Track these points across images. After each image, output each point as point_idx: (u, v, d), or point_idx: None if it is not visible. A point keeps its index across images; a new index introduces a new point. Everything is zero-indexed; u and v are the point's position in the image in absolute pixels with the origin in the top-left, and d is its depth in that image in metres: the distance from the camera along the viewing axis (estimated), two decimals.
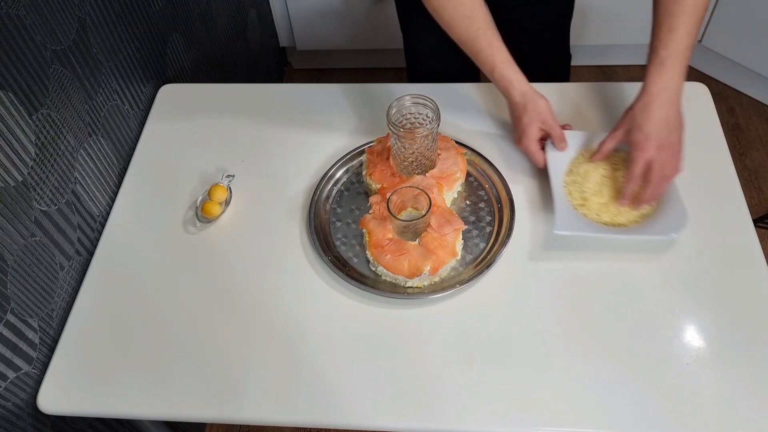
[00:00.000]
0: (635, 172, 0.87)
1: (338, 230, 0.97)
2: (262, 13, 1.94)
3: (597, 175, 0.95)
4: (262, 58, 1.95)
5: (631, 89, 1.12)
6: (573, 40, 1.37)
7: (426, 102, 0.91)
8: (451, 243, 0.89)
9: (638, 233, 0.90)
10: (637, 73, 2.16)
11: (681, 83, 0.85)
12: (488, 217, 0.97)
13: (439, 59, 1.30)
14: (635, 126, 0.86)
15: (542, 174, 1.00)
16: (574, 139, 0.98)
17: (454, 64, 1.32)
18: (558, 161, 0.97)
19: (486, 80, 0.98)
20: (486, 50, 0.92)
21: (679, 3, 0.80)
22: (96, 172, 1.01)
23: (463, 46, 0.95)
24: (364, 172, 1.01)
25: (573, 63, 1.42)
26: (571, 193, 0.94)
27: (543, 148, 0.98)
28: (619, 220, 0.91)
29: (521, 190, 0.99)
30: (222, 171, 1.05)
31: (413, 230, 0.90)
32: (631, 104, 0.89)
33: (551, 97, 1.08)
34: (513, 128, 1.00)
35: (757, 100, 2.06)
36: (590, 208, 0.92)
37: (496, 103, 1.10)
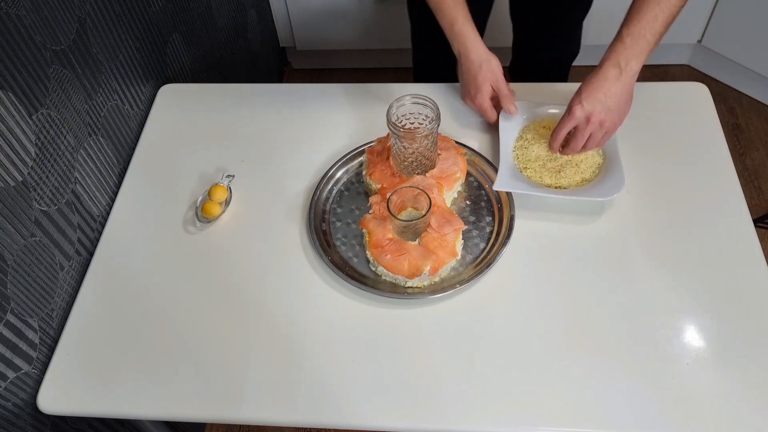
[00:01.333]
0: (557, 134, 0.94)
1: (338, 230, 0.97)
2: (262, 13, 1.94)
3: (544, 141, 1.01)
4: (262, 58, 1.96)
5: None
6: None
7: (426, 102, 0.91)
8: (451, 243, 0.89)
9: (575, 194, 0.95)
10: None
11: (636, 66, 0.87)
12: (488, 217, 0.97)
13: (446, 65, 1.31)
14: (576, 94, 0.91)
15: None
16: (524, 108, 1.05)
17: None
18: (509, 129, 1.03)
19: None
20: (449, 3, 0.96)
21: None
22: (96, 172, 1.01)
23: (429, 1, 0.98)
24: (364, 172, 1.01)
25: (573, 63, 1.42)
26: (518, 156, 1.02)
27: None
28: (560, 182, 0.98)
29: None
30: (222, 171, 1.05)
31: (413, 230, 0.90)
32: (588, 77, 0.92)
33: (551, 97, 1.09)
34: (463, 85, 1.03)
35: (757, 100, 2.06)
36: (534, 170, 0.99)
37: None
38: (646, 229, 0.94)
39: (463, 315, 0.87)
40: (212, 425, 1.53)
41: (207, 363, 0.85)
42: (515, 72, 1.49)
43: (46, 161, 0.88)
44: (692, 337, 0.84)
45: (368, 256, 0.92)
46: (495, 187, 0.95)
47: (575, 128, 0.93)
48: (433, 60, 1.37)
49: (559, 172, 0.98)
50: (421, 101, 0.92)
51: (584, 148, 0.95)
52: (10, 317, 0.81)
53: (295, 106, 1.15)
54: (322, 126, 1.11)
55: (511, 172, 0.98)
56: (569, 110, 0.91)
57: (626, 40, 0.86)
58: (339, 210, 0.99)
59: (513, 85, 1.14)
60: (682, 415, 0.77)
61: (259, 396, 0.82)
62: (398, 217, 0.89)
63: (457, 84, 1.16)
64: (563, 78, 1.42)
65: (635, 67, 0.87)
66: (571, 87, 1.11)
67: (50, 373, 0.86)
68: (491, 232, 0.95)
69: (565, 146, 0.97)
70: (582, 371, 0.81)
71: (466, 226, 0.95)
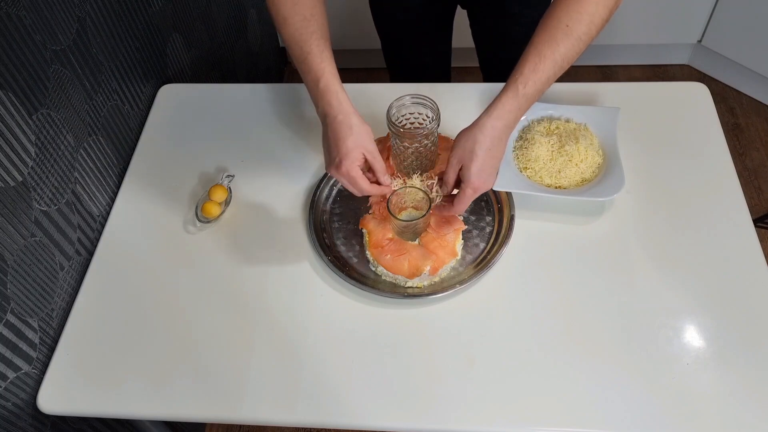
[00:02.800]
0: (462, 207, 0.85)
1: (338, 230, 0.97)
2: (262, 13, 1.94)
3: (544, 141, 1.00)
4: (262, 58, 1.95)
5: (631, 89, 1.12)
6: None
7: (426, 102, 0.91)
8: (451, 243, 0.89)
9: (575, 194, 0.95)
10: (637, 73, 2.16)
11: (518, 120, 0.83)
12: (488, 217, 0.97)
13: (411, 53, 1.31)
14: (474, 162, 0.82)
15: None
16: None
17: (427, 59, 1.34)
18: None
19: (486, 80, 0.97)
20: (316, 57, 0.83)
21: (551, 47, 0.79)
22: (96, 172, 1.01)
23: (291, 47, 0.86)
24: None
25: (572, 63, 1.42)
26: (517, 156, 1.01)
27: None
28: (560, 182, 0.98)
29: None
30: (222, 171, 1.05)
31: (413, 230, 0.90)
32: (472, 127, 0.83)
33: (550, 97, 1.09)
34: (326, 152, 0.84)
35: (757, 100, 2.06)
36: (534, 170, 0.99)
37: None
38: (646, 229, 0.94)
39: (463, 315, 0.87)
40: (212, 425, 1.53)
41: (207, 363, 0.85)
42: (485, 71, 1.39)
43: (46, 161, 0.88)
44: (692, 337, 0.84)
45: (368, 256, 0.92)
46: (495, 187, 0.95)
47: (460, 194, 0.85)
48: (406, 73, 1.37)
49: (559, 172, 0.98)
50: (421, 101, 0.91)
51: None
52: (10, 317, 0.81)
53: (295, 106, 1.15)
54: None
55: (510, 171, 0.98)
56: (473, 185, 0.82)
57: (521, 100, 0.81)
58: (339, 210, 0.99)
59: (497, 85, 1.13)
60: (682, 415, 0.77)
61: (259, 396, 0.82)
62: (398, 217, 0.89)
63: (457, 84, 1.16)
64: None
65: (516, 125, 0.84)
66: (572, 87, 1.12)
67: (50, 373, 0.86)
68: (491, 232, 0.95)
69: (441, 207, 0.89)
70: (582, 371, 0.81)
71: (466, 226, 0.95)
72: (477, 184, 0.82)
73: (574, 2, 0.79)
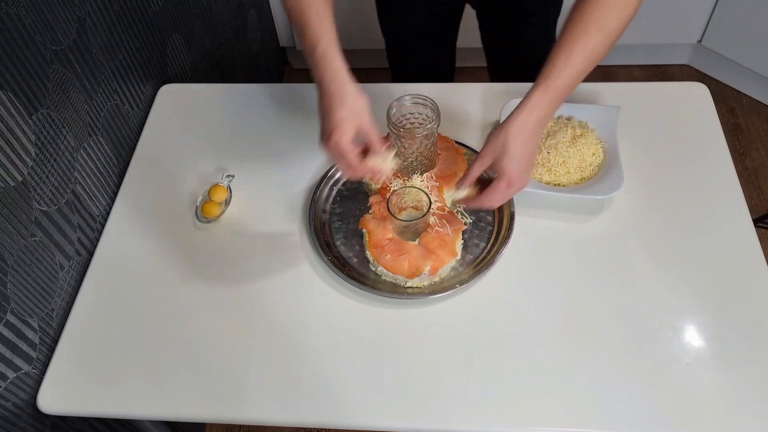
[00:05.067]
0: (496, 200, 0.83)
1: (338, 230, 0.97)
2: (262, 13, 1.94)
3: (544, 139, 1.00)
4: (262, 58, 1.95)
5: (631, 89, 1.12)
6: None
7: (426, 102, 0.91)
8: (451, 243, 0.89)
9: (574, 192, 0.95)
10: (637, 73, 2.16)
11: (550, 118, 0.83)
12: (488, 217, 0.97)
13: (417, 53, 1.30)
14: (507, 155, 0.80)
15: None
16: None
17: (433, 59, 1.33)
18: None
19: (493, 81, 0.96)
20: (315, 23, 0.79)
21: (581, 41, 0.78)
22: (96, 172, 1.01)
23: (292, 16, 0.83)
24: None
25: (602, 59, 1.42)
26: None
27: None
28: (560, 180, 0.98)
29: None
30: (222, 171, 1.05)
31: (413, 230, 0.90)
32: (505, 122, 0.81)
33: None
34: (322, 120, 0.80)
35: (757, 100, 2.06)
36: (536, 169, 0.99)
37: (497, 103, 1.10)
38: (646, 228, 0.94)
39: (463, 315, 0.87)
40: (212, 425, 1.53)
41: (207, 363, 0.85)
42: (494, 72, 1.38)
43: (46, 161, 0.88)
44: (692, 337, 0.84)
45: (368, 256, 0.92)
46: None
47: (493, 185, 0.83)
48: (410, 74, 1.37)
49: (559, 169, 0.98)
50: (421, 101, 0.91)
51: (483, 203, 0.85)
52: (10, 317, 0.81)
53: (295, 106, 1.15)
54: None
55: None
56: (509, 178, 0.81)
57: (552, 94, 0.80)
58: (339, 210, 0.99)
59: (497, 85, 1.12)
60: (682, 415, 0.77)
61: (260, 396, 0.82)
62: (398, 217, 0.89)
63: (457, 84, 1.16)
64: None
65: (550, 120, 0.83)
66: None
67: (50, 373, 0.86)
68: (491, 232, 0.95)
69: (471, 200, 0.88)
70: (582, 371, 0.81)
71: (466, 226, 0.95)
72: (512, 176, 0.81)
73: None
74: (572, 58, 0.79)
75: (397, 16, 1.26)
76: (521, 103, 0.81)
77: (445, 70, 1.39)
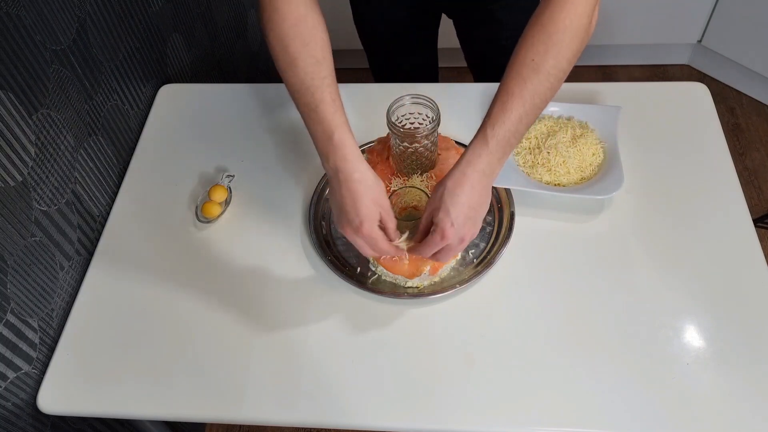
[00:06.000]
0: (427, 251, 0.80)
1: (338, 230, 0.97)
2: None
3: (544, 138, 1.00)
4: (262, 58, 1.95)
5: (631, 89, 1.12)
6: None
7: (426, 102, 0.91)
8: None
9: (574, 192, 0.95)
10: (637, 73, 2.16)
11: (498, 168, 0.78)
12: (488, 217, 0.97)
13: (401, 61, 1.31)
14: (443, 208, 0.77)
15: None
16: None
17: (416, 68, 1.33)
18: None
19: (476, 80, 0.96)
20: (329, 106, 0.78)
21: (519, 85, 0.74)
22: (96, 172, 1.01)
23: (300, 92, 0.80)
24: None
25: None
26: (517, 153, 1.01)
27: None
28: (560, 180, 0.98)
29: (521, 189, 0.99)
30: (222, 171, 1.05)
31: (413, 231, 0.89)
32: (446, 175, 0.79)
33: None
34: (342, 210, 0.78)
35: (757, 100, 2.06)
36: (534, 168, 0.99)
37: None
38: (646, 228, 0.94)
39: (463, 315, 0.87)
40: (212, 425, 1.53)
41: (207, 363, 0.85)
42: (477, 74, 1.34)
43: (46, 161, 0.88)
44: (692, 337, 0.84)
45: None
46: (495, 184, 0.95)
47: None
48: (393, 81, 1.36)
49: (559, 169, 0.98)
50: (421, 101, 0.91)
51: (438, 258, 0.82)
52: (10, 317, 0.81)
53: (295, 107, 1.14)
54: None
55: (510, 168, 0.98)
56: (442, 230, 0.76)
57: (491, 143, 0.76)
58: None
59: (487, 86, 1.12)
60: (682, 415, 0.77)
61: (260, 396, 0.82)
62: (398, 217, 0.89)
63: (457, 84, 1.16)
64: None
65: (498, 170, 0.78)
66: (572, 87, 1.12)
67: (50, 373, 0.86)
68: (491, 232, 0.95)
69: (412, 249, 0.85)
70: (582, 371, 0.81)
71: None
72: (445, 229, 0.76)
73: (541, 34, 0.74)
74: (510, 103, 0.75)
75: (371, 29, 1.26)
76: (462, 154, 0.78)
77: (428, 75, 1.38)
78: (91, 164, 1.00)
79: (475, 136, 0.77)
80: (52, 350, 0.89)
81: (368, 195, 0.77)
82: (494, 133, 0.75)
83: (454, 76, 1.49)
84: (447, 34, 1.32)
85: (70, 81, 0.94)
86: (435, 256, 0.80)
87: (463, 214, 0.76)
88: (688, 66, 2.18)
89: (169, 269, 0.95)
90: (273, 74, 2.10)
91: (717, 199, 0.97)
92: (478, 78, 1.34)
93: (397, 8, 1.19)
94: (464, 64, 1.34)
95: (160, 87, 1.20)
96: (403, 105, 0.92)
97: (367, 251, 0.80)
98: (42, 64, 0.86)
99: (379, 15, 1.21)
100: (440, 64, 1.41)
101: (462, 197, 0.76)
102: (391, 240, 0.82)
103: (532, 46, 0.75)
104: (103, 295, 0.93)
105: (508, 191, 0.97)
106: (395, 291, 0.89)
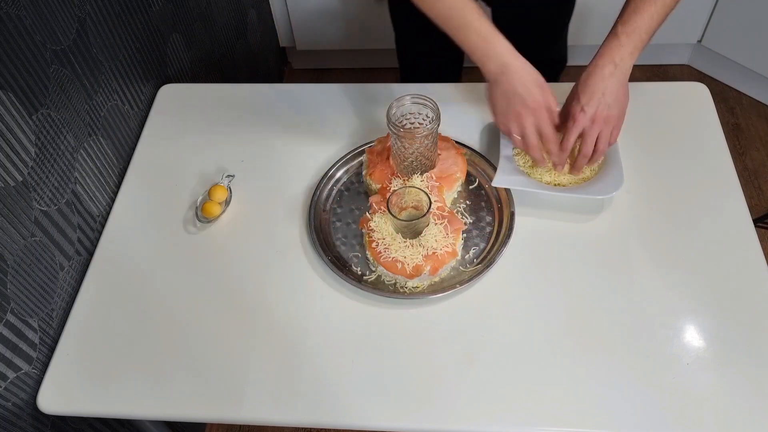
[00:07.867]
0: (567, 144, 0.90)
1: (338, 230, 0.97)
2: (262, 13, 1.94)
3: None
4: (262, 58, 1.96)
5: (631, 89, 1.12)
6: (572, 40, 1.37)
7: (426, 102, 0.91)
8: (451, 243, 0.89)
9: (574, 192, 0.95)
10: (637, 73, 2.16)
11: (630, 62, 0.86)
12: (488, 217, 0.97)
13: (431, 66, 1.30)
14: (574, 97, 0.89)
15: None
16: None
17: (443, 72, 1.33)
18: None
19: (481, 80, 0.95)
20: (484, 21, 0.85)
21: None
22: (96, 172, 1.01)
23: (448, 17, 0.86)
24: (364, 172, 1.01)
25: (572, 63, 1.42)
26: (518, 153, 1.01)
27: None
28: (560, 180, 0.98)
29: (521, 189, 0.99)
30: (222, 171, 1.05)
31: (413, 230, 0.90)
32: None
33: None
34: (514, 94, 0.87)
35: (757, 100, 2.06)
36: (534, 167, 0.99)
37: None
38: (646, 228, 0.94)
39: (463, 315, 0.87)
40: (212, 425, 1.53)
41: (207, 363, 0.85)
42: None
43: (46, 161, 0.88)
44: (692, 337, 0.84)
45: (368, 256, 0.92)
46: (494, 183, 0.95)
47: (582, 134, 0.90)
48: (418, 67, 1.35)
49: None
50: (421, 101, 0.92)
51: (596, 150, 0.91)
52: (10, 317, 0.81)
53: (294, 106, 1.15)
54: (322, 126, 1.11)
55: (510, 168, 0.98)
56: (572, 117, 0.88)
57: (621, 37, 0.85)
58: (339, 210, 0.99)
59: (486, 86, 1.12)
60: (682, 415, 0.77)
61: (259, 396, 0.82)
62: (398, 217, 0.89)
63: (457, 84, 1.16)
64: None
65: (629, 63, 0.87)
66: (566, 87, 1.12)
67: (50, 373, 0.86)
68: (491, 232, 0.95)
69: (573, 166, 0.95)
70: (582, 371, 0.81)
71: (466, 226, 0.95)
72: (576, 116, 0.86)
73: None
74: (641, 2, 0.83)
75: (407, 13, 1.25)
76: (597, 54, 0.87)
77: (454, 56, 1.37)
78: (91, 164, 1.00)
79: (608, 35, 0.85)
80: (52, 350, 0.89)
81: (539, 81, 0.87)
82: (625, 29, 0.84)
83: (469, 76, 1.48)
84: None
85: (70, 81, 0.94)
86: (582, 149, 0.89)
87: (594, 99, 0.85)
88: (688, 66, 2.18)
89: (169, 269, 0.95)
90: (273, 74, 2.10)
91: (717, 199, 0.97)
92: None
93: None
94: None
95: (160, 87, 1.20)
96: (403, 105, 0.92)
97: (532, 139, 0.88)
98: (42, 64, 0.86)
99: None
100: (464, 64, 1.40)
101: (592, 86, 0.85)
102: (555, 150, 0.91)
103: None
104: (103, 295, 0.93)
105: (508, 191, 0.97)
106: (395, 291, 0.89)
